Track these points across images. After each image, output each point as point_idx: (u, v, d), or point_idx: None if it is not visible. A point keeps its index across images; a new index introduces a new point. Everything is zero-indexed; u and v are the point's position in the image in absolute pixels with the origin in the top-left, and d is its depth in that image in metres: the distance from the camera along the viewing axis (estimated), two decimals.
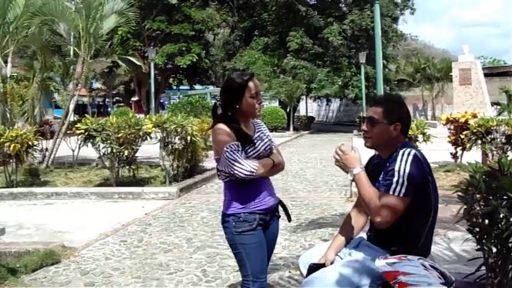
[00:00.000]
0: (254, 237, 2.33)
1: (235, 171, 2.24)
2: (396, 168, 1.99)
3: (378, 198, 2.06)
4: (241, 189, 2.33)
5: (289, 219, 2.57)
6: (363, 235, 2.37)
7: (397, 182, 1.98)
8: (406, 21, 32.70)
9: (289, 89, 23.20)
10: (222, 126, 2.32)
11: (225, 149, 2.25)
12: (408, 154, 2.01)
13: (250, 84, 2.33)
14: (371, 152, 2.32)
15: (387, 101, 2.25)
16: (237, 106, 2.34)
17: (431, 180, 2.06)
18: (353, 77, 23.80)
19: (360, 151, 2.20)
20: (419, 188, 2.01)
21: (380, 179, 2.14)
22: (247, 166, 2.24)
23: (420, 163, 2.02)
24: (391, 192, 1.99)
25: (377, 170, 2.21)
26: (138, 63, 14.47)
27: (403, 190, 1.98)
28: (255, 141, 2.38)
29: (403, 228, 2.04)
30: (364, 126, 2.22)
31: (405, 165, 1.98)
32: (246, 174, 2.24)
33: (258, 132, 2.46)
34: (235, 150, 2.25)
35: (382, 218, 2.02)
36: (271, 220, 2.46)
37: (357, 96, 23.58)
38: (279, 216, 2.54)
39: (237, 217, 2.33)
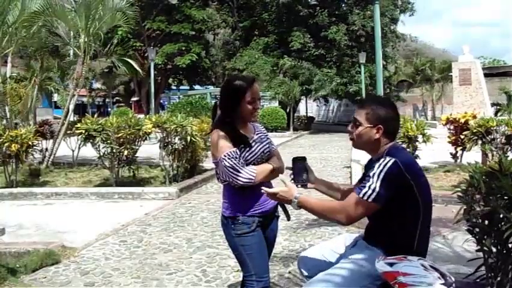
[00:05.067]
0: (253, 238, 2.32)
1: (234, 179, 2.23)
2: (371, 174, 2.01)
3: (330, 202, 2.16)
4: (240, 192, 2.31)
5: (288, 218, 2.54)
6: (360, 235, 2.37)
7: (369, 186, 1.99)
8: (404, 22, 32.62)
9: (287, 90, 23.15)
10: (219, 132, 2.31)
11: (223, 157, 2.24)
12: (386, 163, 2.00)
13: (250, 89, 2.30)
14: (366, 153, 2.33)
15: (371, 103, 2.21)
16: (233, 110, 2.33)
17: (417, 184, 2.03)
18: (356, 74, 23.72)
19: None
20: (401, 194, 2.00)
21: None
22: (245, 174, 2.23)
23: (398, 171, 1.99)
24: (361, 195, 1.99)
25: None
26: (136, 67, 14.43)
27: (373, 195, 1.97)
28: (253, 143, 2.36)
29: (396, 229, 2.04)
30: (349, 127, 2.25)
31: (380, 173, 1.99)
32: (244, 182, 2.23)
33: (257, 134, 2.45)
34: (233, 157, 2.24)
35: (344, 217, 2.04)
36: (271, 221, 2.46)
37: (359, 92, 23.22)
38: (278, 216, 2.54)
39: (236, 220, 2.33)
